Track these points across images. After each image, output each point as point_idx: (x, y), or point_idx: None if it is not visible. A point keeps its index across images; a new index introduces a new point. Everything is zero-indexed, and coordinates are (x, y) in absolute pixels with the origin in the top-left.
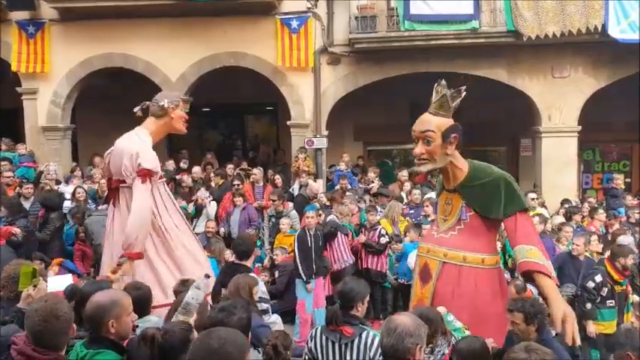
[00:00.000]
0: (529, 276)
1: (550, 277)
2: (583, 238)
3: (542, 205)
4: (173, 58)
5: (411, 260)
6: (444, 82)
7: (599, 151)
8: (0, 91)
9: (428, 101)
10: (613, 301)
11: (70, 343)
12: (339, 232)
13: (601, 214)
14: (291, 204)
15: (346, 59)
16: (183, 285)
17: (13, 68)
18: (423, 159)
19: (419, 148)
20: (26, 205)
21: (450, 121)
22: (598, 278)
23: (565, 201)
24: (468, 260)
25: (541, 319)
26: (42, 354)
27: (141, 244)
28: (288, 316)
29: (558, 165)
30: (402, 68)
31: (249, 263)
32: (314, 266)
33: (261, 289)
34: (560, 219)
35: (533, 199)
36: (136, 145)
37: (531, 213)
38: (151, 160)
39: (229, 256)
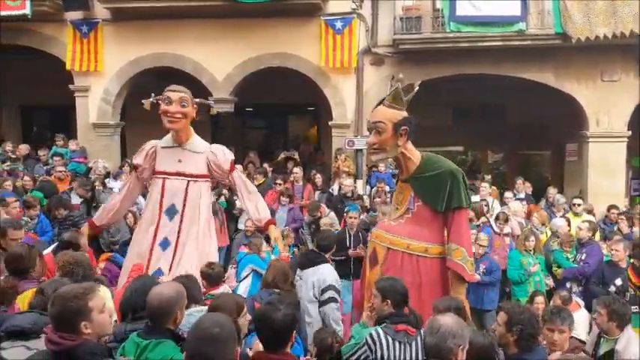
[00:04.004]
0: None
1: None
2: (622, 244)
3: (590, 211)
4: (220, 59)
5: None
6: (401, 76)
7: None
8: (54, 88)
9: (471, 104)
10: (637, 307)
11: (126, 335)
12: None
13: None
14: (325, 207)
15: (389, 60)
16: (209, 267)
17: (68, 67)
18: (374, 148)
19: (371, 138)
20: (76, 200)
21: (402, 114)
22: (618, 282)
23: (612, 207)
24: (410, 248)
25: (523, 332)
26: (68, 339)
27: None
28: None
29: (606, 171)
30: (447, 70)
31: (327, 255)
32: (352, 266)
33: (337, 279)
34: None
35: (578, 204)
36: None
37: (579, 219)
38: (137, 154)
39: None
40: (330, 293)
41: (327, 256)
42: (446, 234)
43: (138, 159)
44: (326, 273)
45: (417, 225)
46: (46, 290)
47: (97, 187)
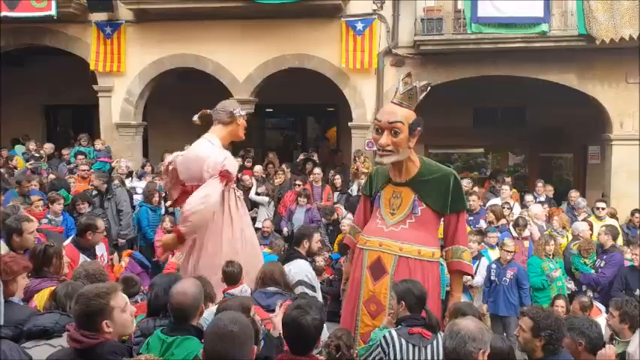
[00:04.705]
0: (455, 273)
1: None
2: None
3: (613, 215)
4: (241, 60)
5: (484, 268)
6: (411, 73)
7: None
8: (78, 88)
9: (493, 105)
10: None
11: (148, 331)
12: None
13: None
14: (343, 208)
15: (410, 61)
16: (228, 266)
17: (92, 67)
18: (387, 150)
19: (385, 139)
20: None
21: (414, 114)
22: None
23: (636, 211)
24: (422, 254)
25: (551, 337)
26: (90, 337)
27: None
28: None
29: (629, 174)
30: (468, 71)
31: (302, 250)
32: None
33: (306, 274)
34: None
35: (601, 208)
36: (217, 151)
37: (601, 223)
38: (234, 165)
39: None
40: (299, 289)
41: (299, 249)
42: (443, 236)
43: (233, 169)
44: (295, 268)
45: (422, 230)
46: (58, 294)
47: (114, 184)
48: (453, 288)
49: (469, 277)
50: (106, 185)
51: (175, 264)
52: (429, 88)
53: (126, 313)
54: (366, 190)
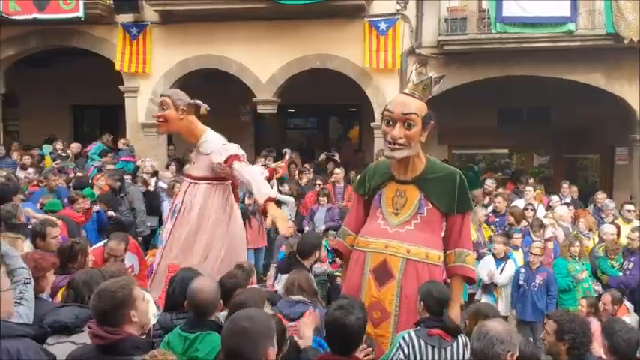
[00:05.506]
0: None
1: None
2: None
3: None
4: (264, 60)
5: (510, 269)
6: (425, 63)
7: None
8: (104, 89)
9: (517, 105)
10: None
11: (173, 323)
12: None
13: None
14: None
15: (434, 61)
16: (238, 269)
17: (117, 68)
18: (400, 144)
19: (398, 132)
20: None
21: (426, 106)
22: None
23: None
24: (429, 257)
25: (575, 341)
26: (113, 333)
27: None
28: None
29: None
30: (492, 71)
31: (307, 263)
32: None
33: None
34: None
35: (630, 210)
36: None
37: (628, 226)
38: None
39: None
40: None
41: (305, 262)
42: (446, 238)
43: None
44: None
45: (428, 231)
46: (76, 281)
47: (126, 181)
48: (453, 295)
49: (498, 276)
50: (119, 184)
51: (177, 265)
52: (443, 79)
53: (145, 302)
54: (362, 189)
